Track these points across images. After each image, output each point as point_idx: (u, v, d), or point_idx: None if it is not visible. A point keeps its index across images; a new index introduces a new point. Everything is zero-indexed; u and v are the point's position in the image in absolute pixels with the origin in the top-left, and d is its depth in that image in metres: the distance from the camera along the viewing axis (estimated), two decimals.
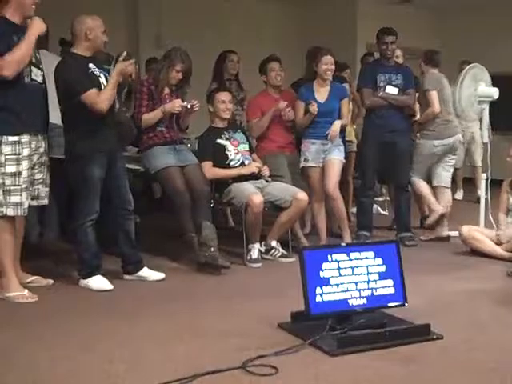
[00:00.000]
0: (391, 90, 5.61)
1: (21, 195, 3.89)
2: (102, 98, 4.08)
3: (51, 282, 4.29)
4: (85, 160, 4.12)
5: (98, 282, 4.18)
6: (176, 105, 4.82)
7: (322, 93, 5.40)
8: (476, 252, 5.21)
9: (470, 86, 5.74)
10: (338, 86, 5.58)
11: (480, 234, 5.26)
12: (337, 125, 5.32)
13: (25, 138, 3.88)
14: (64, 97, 4.14)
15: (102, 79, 4.17)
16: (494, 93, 5.72)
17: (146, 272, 4.42)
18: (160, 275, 4.43)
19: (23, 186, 3.89)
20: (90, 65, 4.17)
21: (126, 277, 4.42)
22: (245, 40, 8.50)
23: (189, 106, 4.84)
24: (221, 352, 3.03)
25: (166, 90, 4.92)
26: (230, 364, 2.82)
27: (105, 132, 4.21)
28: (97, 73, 4.18)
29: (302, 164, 5.44)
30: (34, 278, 4.26)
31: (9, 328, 3.43)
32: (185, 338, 3.26)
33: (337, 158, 5.39)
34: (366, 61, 6.84)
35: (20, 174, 3.87)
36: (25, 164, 3.89)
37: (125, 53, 4.23)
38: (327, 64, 5.33)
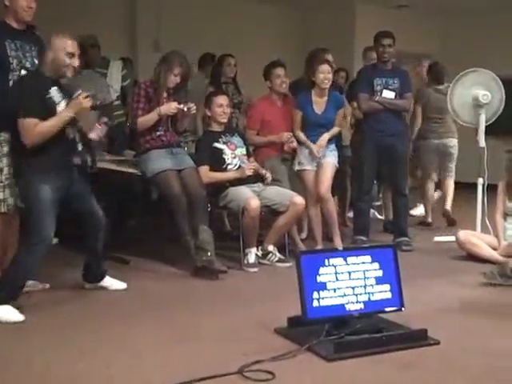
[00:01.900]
0: (388, 94, 5.61)
1: (4, 191, 3.93)
2: (36, 130, 3.63)
3: (47, 286, 4.27)
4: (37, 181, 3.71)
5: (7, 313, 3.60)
6: (172, 107, 4.81)
7: (320, 104, 5.35)
8: (472, 257, 5.20)
9: (464, 90, 5.69)
10: (337, 96, 5.52)
11: (476, 239, 5.24)
12: (324, 138, 5.31)
13: (2, 136, 3.89)
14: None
15: (60, 108, 3.76)
16: (482, 96, 5.57)
17: (107, 281, 4.27)
18: (122, 285, 4.28)
19: (6, 182, 3.94)
20: (53, 89, 3.77)
21: (87, 285, 4.25)
22: (244, 44, 8.51)
23: (185, 109, 4.83)
24: (217, 357, 3.02)
25: (164, 94, 4.92)
26: (226, 369, 2.81)
27: (59, 170, 3.81)
28: (56, 99, 3.77)
29: (297, 167, 5.43)
30: (30, 282, 4.23)
31: (5, 331, 3.42)
32: (181, 342, 3.25)
33: (330, 161, 5.39)
34: (367, 56, 6.65)
35: (1, 170, 3.93)
36: (5, 161, 3.92)
37: (79, 91, 3.80)
38: (324, 73, 5.23)
